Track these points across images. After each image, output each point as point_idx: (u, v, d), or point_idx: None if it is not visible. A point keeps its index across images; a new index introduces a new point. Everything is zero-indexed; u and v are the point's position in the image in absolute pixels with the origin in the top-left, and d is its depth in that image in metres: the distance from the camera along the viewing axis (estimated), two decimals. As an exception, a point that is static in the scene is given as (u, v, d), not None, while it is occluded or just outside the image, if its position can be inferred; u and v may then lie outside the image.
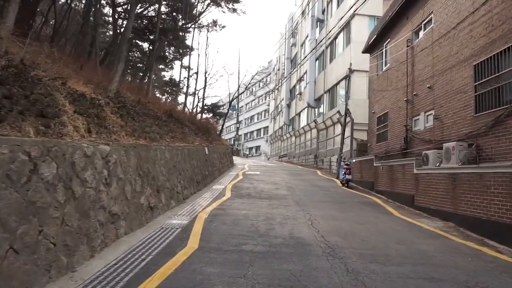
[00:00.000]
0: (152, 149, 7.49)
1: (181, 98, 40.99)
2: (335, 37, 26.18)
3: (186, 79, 26.11)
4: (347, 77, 22.89)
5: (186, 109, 21.00)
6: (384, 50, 14.49)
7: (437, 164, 8.96)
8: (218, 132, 26.50)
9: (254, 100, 71.12)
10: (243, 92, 44.57)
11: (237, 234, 6.10)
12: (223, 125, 28.73)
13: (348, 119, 17.86)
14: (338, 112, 20.01)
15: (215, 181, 14.31)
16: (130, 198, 5.87)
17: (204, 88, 29.68)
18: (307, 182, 15.65)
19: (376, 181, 13.02)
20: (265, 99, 65.71)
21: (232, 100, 27.31)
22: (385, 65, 14.32)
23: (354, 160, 14.81)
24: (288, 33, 43.20)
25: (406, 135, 11.61)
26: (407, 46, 11.97)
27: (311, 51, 25.88)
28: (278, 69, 48.85)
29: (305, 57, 26.22)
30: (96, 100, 6.81)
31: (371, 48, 15.81)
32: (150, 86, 15.74)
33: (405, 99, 11.86)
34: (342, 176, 14.83)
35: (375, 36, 14.90)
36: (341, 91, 25.11)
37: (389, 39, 13.79)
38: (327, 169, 22.23)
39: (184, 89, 35.41)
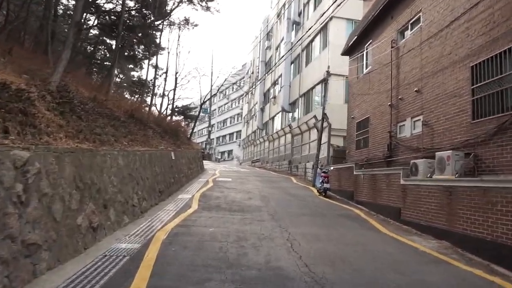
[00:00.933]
0: (99, 154, 6.12)
1: (150, 99, 39.20)
2: (312, 40, 25.48)
3: (154, 78, 24.54)
4: (324, 81, 22.11)
5: (153, 110, 19.50)
6: (365, 52, 13.69)
7: (428, 175, 8.09)
8: (188, 136, 25.08)
9: (227, 103, 69.84)
10: (215, 95, 43.21)
11: (201, 263, 4.85)
12: (193, 128, 27.30)
13: (325, 124, 17.00)
14: (315, 117, 19.16)
15: (182, 190, 12.94)
16: (61, 219, 4.51)
17: (175, 89, 28.17)
18: (282, 190, 14.58)
19: (357, 191, 12.12)
20: (239, 103, 64.62)
21: (204, 102, 25.98)
22: (366, 67, 13.53)
23: (332, 168, 13.91)
24: (263, 35, 42.35)
25: (390, 142, 10.77)
26: (392, 47, 11.18)
27: (286, 53, 25.02)
28: (252, 72, 47.91)
29: (281, 58, 25.34)
30: (25, 92, 5.39)
31: (350, 50, 15.02)
32: (111, 83, 14.20)
33: (389, 103, 11.04)
34: (320, 185, 13.86)
35: (356, 37, 14.10)
36: (316, 96, 24.36)
37: (371, 40, 13.00)
38: (301, 175, 21.30)
39: (154, 90, 33.80)
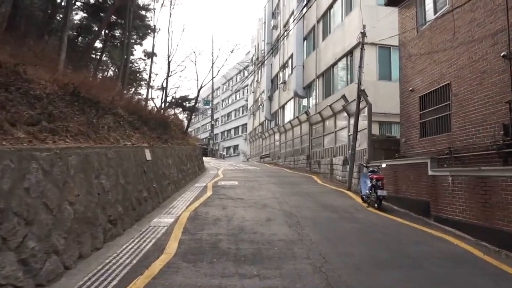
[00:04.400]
0: None
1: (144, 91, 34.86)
2: (330, 7, 20.87)
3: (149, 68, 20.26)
4: (352, 51, 17.60)
5: (125, 94, 15.03)
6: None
7: None
8: (183, 129, 20.72)
9: (231, 95, 65.36)
10: (214, 77, 38.81)
11: None
12: (190, 119, 22.94)
13: (362, 103, 12.49)
14: (343, 97, 14.64)
15: (161, 207, 8.58)
16: None
17: (167, 75, 23.90)
18: (310, 199, 10.17)
19: (437, 202, 7.58)
20: (243, 94, 60.15)
21: (202, 87, 21.56)
22: (436, 11, 8.96)
23: (384, 165, 9.46)
24: (268, 13, 37.68)
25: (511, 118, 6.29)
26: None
27: (300, 18, 20.47)
28: (257, 59, 43.31)
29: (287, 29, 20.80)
30: None
31: (399, -4, 10.49)
32: (62, 50, 9.78)
33: (502, 53, 6.52)
34: (367, 191, 9.43)
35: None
36: (340, 73, 19.79)
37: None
38: (326, 173, 16.84)
39: (145, 77, 29.53)
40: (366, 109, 12.55)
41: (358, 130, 12.61)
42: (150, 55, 22.48)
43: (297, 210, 8.37)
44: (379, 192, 8.69)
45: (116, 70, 27.11)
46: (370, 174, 9.64)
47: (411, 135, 9.82)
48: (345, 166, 14.24)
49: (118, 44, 28.64)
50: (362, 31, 12.79)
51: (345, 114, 14.89)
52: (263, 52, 38.88)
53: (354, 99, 13.30)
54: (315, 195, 11.10)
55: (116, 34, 27.31)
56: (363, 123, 12.86)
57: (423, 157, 8.38)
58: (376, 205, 8.95)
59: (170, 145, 12.08)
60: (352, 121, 14.19)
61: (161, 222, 6.89)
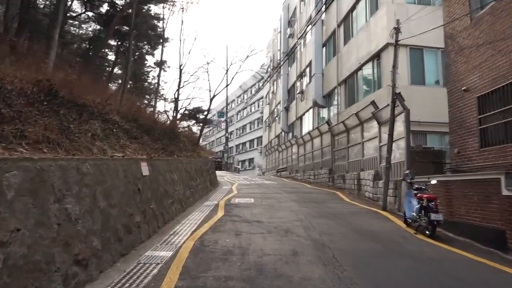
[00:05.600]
0: None
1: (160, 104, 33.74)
2: (352, 9, 19.32)
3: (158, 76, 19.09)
4: (379, 53, 15.94)
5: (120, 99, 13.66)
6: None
7: None
8: (195, 141, 19.28)
9: (245, 107, 64.07)
10: (228, 84, 37.64)
11: None
12: (201, 130, 21.50)
13: (398, 109, 10.75)
14: (373, 103, 12.93)
15: (162, 232, 6.98)
16: None
17: (179, 84, 22.74)
18: (342, 222, 8.43)
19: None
20: (258, 106, 58.79)
21: (214, 96, 20.15)
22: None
23: (434, 181, 7.66)
24: (283, 23, 36.44)
25: None
26: None
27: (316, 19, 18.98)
28: (273, 69, 41.99)
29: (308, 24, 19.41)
30: None
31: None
32: (52, 49, 8.45)
33: None
34: (413, 213, 7.64)
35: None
36: (365, 78, 18.09)
37: None
38: (352, 189, 15.03)
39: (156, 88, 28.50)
40: (403, 115, 10.81)
41: (393, 140, 10.84)
42: (159, 63, 21.25)
43: (329, 239, 6.64)
44: (433, 216, 6.87)
45: (130, 82, 26.22)
46: (416, 192, 7.86)
47: (466, 145, 8.01)
48: (376, 181, 12.44)
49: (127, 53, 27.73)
50: (396, 26, 11.15)
51: (375, 122, 13.15)
52: (278, 61, 37.53)
53: (387, 105, 11.59)
54: (346, 216, 9.34)
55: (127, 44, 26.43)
56: (398, 131, 11.11)
57: (492, 171, 6.56)
58: (427, 232, 7.13)
59: (176, 157, 10.56)
60: (384, 129, 12.45)
61: (155, 257, 5.27)
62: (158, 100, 32.38)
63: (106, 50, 25.15)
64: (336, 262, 5.20)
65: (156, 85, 25.92)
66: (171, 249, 5.75)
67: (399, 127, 11.06)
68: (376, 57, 16.21)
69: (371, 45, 16.54)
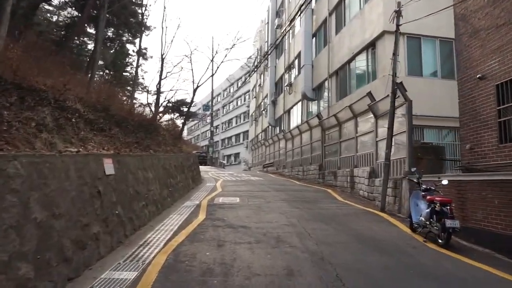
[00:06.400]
0: None
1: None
2: (345, -5, 18.28)
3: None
4: (374, 42, 14.97)
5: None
6: None
7: None
8: (177, 135, 18.03)
9: (232, 101, 62.79)
10: (214, 73, 36.33)
11: None
12: (184, 123, 20.23)
13: (399, 100, 9.78)
14: (369, 95, 11.95)
15: (128, 243, 5.81)
16: None
17: (160, 75, 21.27)
18: (339, 227, 7.42)
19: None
20: (245, 100, 57.57)
21: (197, 87, 18.88)
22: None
23: (445, 181, 6.70)
24: (271, 13, 35.22)
25: None
26: None
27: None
28: (260, 62, 40.77)
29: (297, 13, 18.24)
30: None
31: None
32: (3, 23, 7.11)
33: None
34: (421, 218, 6.68)
35: None
36: (358, 70, 17.12)
37: None
38: (344, 187, 14.10)
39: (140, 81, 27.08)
40: (402, 108, 9.85)
41: (393, 134, 9.87)
42: (138, 51, 19.85)
43: (329, 251, 5.61)
44: (448, 223, 5.90)
45: (110, 72, 24.73)
46: (424, 193, 6.90)
47: (481, 140, 7.08)
48: (372, 179, 11.51)
49: (110, 44, 26.22)
50: (397, 9, 10.14)
51: (370, 115, 12.20)
52: (266, 53, 36.32)
53: (386, 96, 10.61)
54: (342, 219, 8.34)
55: (109, 35, 24.90)
56: (398, 125, 10.15)
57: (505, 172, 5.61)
58: (440, 241, 6.17)
59: (152, 152, 9.35)
60: (381, 123, 11.50)
61: (113, 282, 4.12)
62: (140, 92, 30.85)
63: (85, 39, 23.55)
64: (341, 285, 4.16)
65: (135, 73, 24.42)
66: (136, 267, 4.61)
67: (399, 120, 10.11)
68: (371, 46, 15.24)
69: (365, 33, 15.56)
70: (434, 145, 11.79)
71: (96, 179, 5.24)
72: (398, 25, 10.05)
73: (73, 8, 21.02)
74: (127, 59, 27.40)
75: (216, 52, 37.50)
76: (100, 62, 27.52)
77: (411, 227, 7.25)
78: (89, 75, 11.18)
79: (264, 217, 8.31)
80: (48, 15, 22.45)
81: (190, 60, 20.08)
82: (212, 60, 26.54)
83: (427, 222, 6.49)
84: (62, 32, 22.21)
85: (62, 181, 4.25)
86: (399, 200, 9.34)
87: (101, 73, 25.74)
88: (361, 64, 16.61)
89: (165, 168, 9.91)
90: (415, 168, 7.17)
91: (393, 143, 10.02)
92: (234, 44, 18.53)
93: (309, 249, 5.69)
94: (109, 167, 5.78)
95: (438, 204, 6.21)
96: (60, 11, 22.92)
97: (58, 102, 6.11)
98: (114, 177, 5.95)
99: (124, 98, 16.39)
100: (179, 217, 8.07)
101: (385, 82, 13.47)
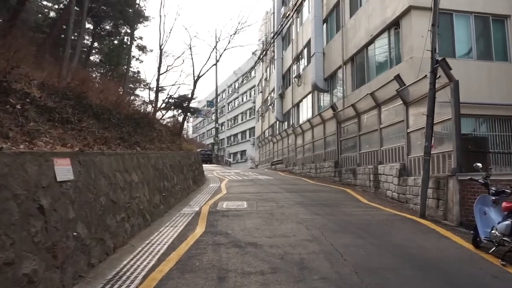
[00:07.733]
0: None
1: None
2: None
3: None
4: (398, 20, 13.15)
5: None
6: None
7: None
8: (178, 131, 16.41)
9: (237, 97, 61.07)
10: (218, 61, 34.72)
11: None
12: (184, 118, 18.57)
13: (441, 81, 7.99)
14: (397, 78, 10.15)
15: (87, 282, 4.10)
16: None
17: (159, 67, 19.64)
18: (378, 243, 5.68)
19: None
20: (250, 96, 55.80)
21: (199, 78, 17.18)
22: None
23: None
24: (277, 2, 33.39)
25: None
26: None
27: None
28: (265, 55, 38.95)
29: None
30: None
31: None
32: None
33: None
34: (495, 232, 4.91)
35: None
36: (377, 53, 15.28)
37: None
38: (366, 186, 12.34)
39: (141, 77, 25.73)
40: (448, 89, 8.05)
41: (434, 122, 8.07)
42: (130, 35, 18.25)
43: (377, 284, 3.88)
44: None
45: (108, 67, 23.27)
46: (495, 198, 5.14)
47: None
48: (403, 178, 9.72)
49: (106, 37, 24.79)
50: (435, -29, 8.31)
51: (399, 103, 10.40)
52: (272, 46, 34.49)
53: (423, 77, 8.81)
54: (377, 229, 6.60)
55: (106, 27, 23.44)
56: (438, 112, 8.35)
57: None
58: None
59: (139, 150, 7.66)
60: (412, 111, 9.72)
61: None
62: (142, 89, 29.29)
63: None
64: None
65: (133, 68, 22.88)
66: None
67: (439, 105, 8.31)
68: (394, 25, 13.40)
69: (386, 12, 13.72)
70: (475, 136, 9.98)
71: (39, 189, 3.57)
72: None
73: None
74: (124, 52, 25.91)
75: (219, 40, 35.81)
76: (96, 56, 26.09)
77: (474, 242, 5.49)
78: (66, 58, 9.49)
79: (278, 228, 6.60)
80: (45, 10, 21.01)
81: (190, 48, 18.34)
82: (215, 47, 24.81)
83: (505, 238, 4.72)
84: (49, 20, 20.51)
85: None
86: (444, 203, 7.57)
87: (100, 69, 24.34)
88: (382, 47, 14.77)
89: (157, 168, 8.23)
90: (480, 165, 5.42)
91: (433, 134, 8.22)
92: (237, 30, 16.77)
93: (347, 282, 3.97)
94: (63, 170, 4.10)
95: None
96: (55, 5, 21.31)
97: (-2, 82, 4.45)
98: (75, 183, 4.27)
99: (119, 89, 14.76)
100: (171, 231, 6.39)
101: (412, 64, 11.70)
